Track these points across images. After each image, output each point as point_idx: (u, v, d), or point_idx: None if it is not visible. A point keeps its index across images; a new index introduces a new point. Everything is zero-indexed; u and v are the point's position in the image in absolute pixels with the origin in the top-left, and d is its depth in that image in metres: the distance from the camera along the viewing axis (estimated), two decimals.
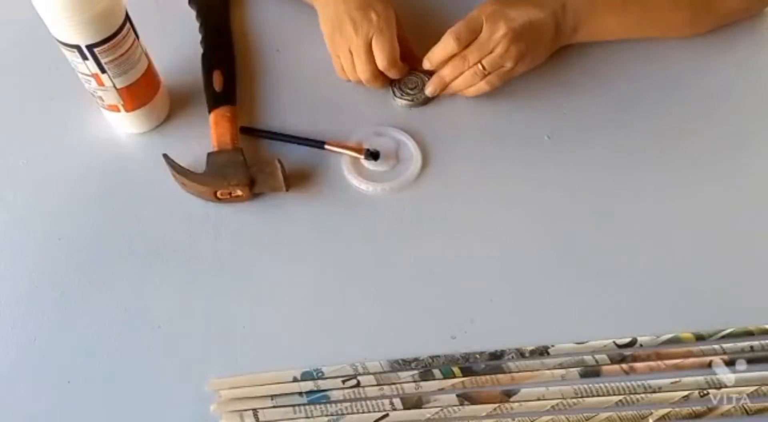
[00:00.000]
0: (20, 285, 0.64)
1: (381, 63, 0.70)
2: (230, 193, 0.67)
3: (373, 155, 0.71)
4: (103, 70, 0.64)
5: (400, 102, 0.75)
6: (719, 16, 0.78)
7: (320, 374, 0.59)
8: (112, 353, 0.60)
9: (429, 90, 0.73)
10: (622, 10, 0.74)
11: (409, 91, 0.74)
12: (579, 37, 0.75)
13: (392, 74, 0.73)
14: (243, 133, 0.73)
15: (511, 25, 0.68)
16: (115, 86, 0.66)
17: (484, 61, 0.69)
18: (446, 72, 0.71)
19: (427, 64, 0.72)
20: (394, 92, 0.75)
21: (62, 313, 0.62)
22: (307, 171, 0.71)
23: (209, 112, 0.72)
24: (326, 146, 0.71)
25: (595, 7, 0.73)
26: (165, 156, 0.68)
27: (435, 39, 0.71)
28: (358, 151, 0.71)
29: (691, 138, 0.74)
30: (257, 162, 0.69)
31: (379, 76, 0.73)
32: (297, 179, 0.70)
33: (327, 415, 0.57)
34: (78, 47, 0.62)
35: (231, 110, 0.72)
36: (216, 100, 0.73)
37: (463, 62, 0.70)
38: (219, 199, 0.68)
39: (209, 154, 0.69)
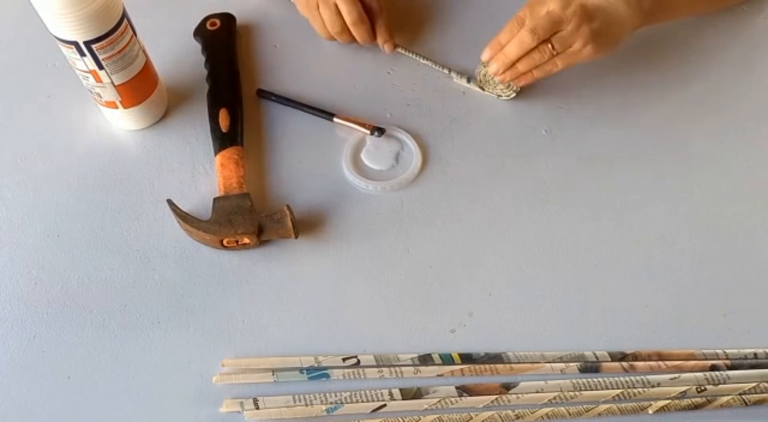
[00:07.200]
0: (19, 281, 0.64)
1: (347, 18, 0.75)
2: (237, 241, 0.64)
3: (380, 130, 0.72)
4: (100, 67, 0.64)
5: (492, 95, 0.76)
6: None
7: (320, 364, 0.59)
8: (111, 349, 0.60)
9: (492, 68, 0.69)
10: None
11: (498, 90, 0.75)
12: (651, 20, 0.73)
13: (356, 32, 0.76)
14: (259, 96, 0.76)
15: (583, 2, 0.65)
16: (112, 83, 0.66)
17: (553, 40, 0.66)
18: (510, 49, 0.67)
19: (486, 55, 0.70)
20: (482, 89, 0.76)
21: (61, 310, 0.62)
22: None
23: (215, 154, 0.70)
24: (335, 119, 0.73)
25: None
26: (169, 201, 0.65)
27: None
28: (366, 126, 0.72)
29: (689, 131, 0.74)
30: (265, 208, 0.67)
31: (346, 30, 0.77)
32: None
33: (326, 404, 0.57)
34: (76, 43, 0.62)
35: (238, 151, 0.69)
36: (222, 141, 0.70)
37: (532, 36, 0.65)
38: (225, 247, 0.65)
39: (215, 199, 0.66)
